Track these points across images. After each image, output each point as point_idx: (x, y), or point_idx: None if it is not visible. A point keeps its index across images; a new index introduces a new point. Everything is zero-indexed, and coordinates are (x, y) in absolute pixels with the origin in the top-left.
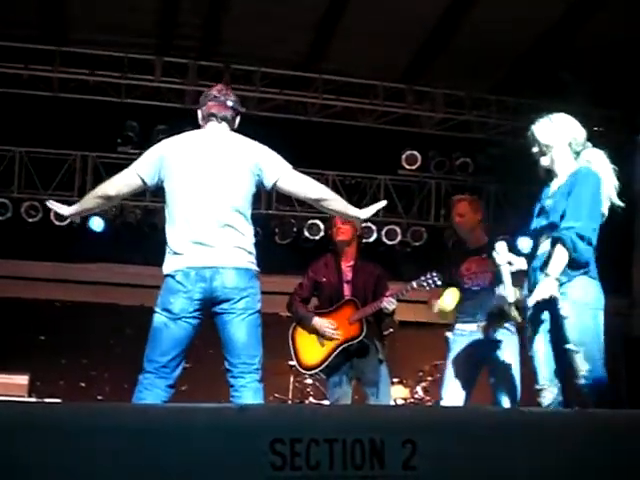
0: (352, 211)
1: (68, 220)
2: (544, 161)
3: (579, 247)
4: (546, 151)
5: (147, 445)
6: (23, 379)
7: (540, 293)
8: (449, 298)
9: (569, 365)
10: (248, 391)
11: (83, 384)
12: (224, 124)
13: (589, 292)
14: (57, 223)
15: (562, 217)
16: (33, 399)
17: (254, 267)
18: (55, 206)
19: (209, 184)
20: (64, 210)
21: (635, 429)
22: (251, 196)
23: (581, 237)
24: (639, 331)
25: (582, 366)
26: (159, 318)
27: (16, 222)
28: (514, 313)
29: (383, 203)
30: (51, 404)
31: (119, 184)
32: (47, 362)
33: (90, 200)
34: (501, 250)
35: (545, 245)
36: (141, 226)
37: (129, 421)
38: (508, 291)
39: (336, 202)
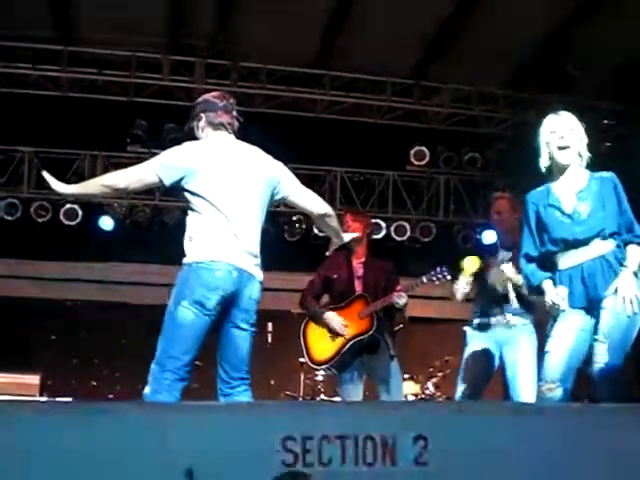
0: (341, 233)
1: (79, 220)
2: (563, 156)
3: None
4: (567, 146)
5: (159, 442)
6: (34, 379)
7: (627, 290)
8: (472, 261)
9: (589, 354)
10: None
11: (94, 383)
12: (231, 134)
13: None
14: (66, 223)
15: (611, 225)
16: (45, 398)
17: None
18: (51, 180)
19: (241, 188)
20: (60, 187)
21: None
22: (266, 206)
23: None
24: None
25: (602, 357)
26: (187, 312)
27: (26, 222)
28: (511, 292)
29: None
30: (63, 402)
31: (131, 178)
32: (58, 362)
33: (95, 186)
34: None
35: (589, 253)
36: (151, 225)
37: (140, 419)
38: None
39: (335, 220)
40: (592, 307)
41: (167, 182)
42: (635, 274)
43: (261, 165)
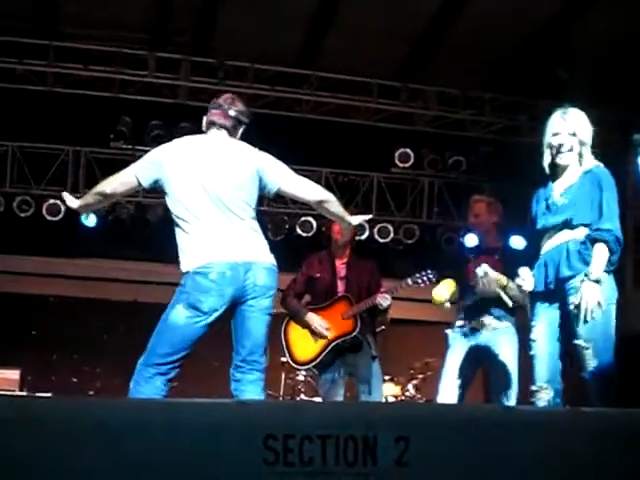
0: (347, 216)
1: (62, 215)
2: (562, 158)
3: (617, 249)
4: (566, 145)
5: (138, 441)
6: (14, 374)
7: (591, 300)
8: (443, 289)
9: (577, 361)
10: (255, 387)
11: (75, 379)
12: (224, 132)
13: (603, 287)
14: (49, 218)
15: (582, 216)
16: (24, 393)
17: (274, 263)
18: (68, 198)
19: (220, 185)
20: (73, 203)
21: (629, 428)
22: (256, 199)
23: (618, 239)
24: (633, 330)
25: (590, 362)
26: (179, 314)
27: (8, 217)
28: (501, 293)
29: (370, 215)
30: (43, 398)
31: (115, 183)
32: (38, 357)
33: (90, 196)
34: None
35: (556, 240)
36: (134, 222)
37: (120, 416)
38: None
39: (336, 205)
40: (552, 291)
41: (144, 183)
42: (597, 281)
43: (243, 158)
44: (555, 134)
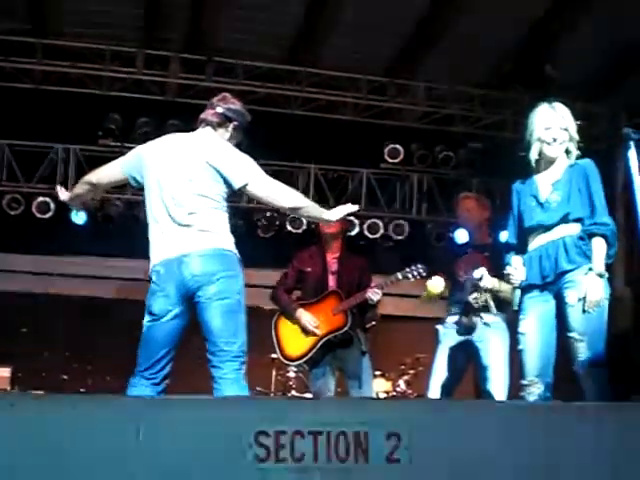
0: (325, 215)
1: (52, 213)
2: (553, 151)
3: (615, 242)
4: (564, 140)
5: (124, 437)
6: (5, 371)
7: (597, 294)
8: (439, 281)
9: (569, 354)
10: (226, 382)
11: (65, 377)
12: (208, 128)
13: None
14: (39, 216)
15: (576, 211)
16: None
17: (226, 247)
18: (60, 191)
19: (172, 180)
20: (64, 195)
21: (621, 422)
22: (221, 190)
23: (613, 232)
24: (621, 327)
25: (583, 355)
26: (145, 321)
27: None
28: (490, 302)
29: (354, 208)
30: (34, 395)
31: (101, 173)
32: (29, 355)
33: (79, 186)
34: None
35: (551, 235)
36: (123, 219)
37: (107, 413)
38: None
39: (310, 208)
40: (545, 285)
41: (127, 175)
42: (600, 275)
43: (195, 150)
44: (548, 128)
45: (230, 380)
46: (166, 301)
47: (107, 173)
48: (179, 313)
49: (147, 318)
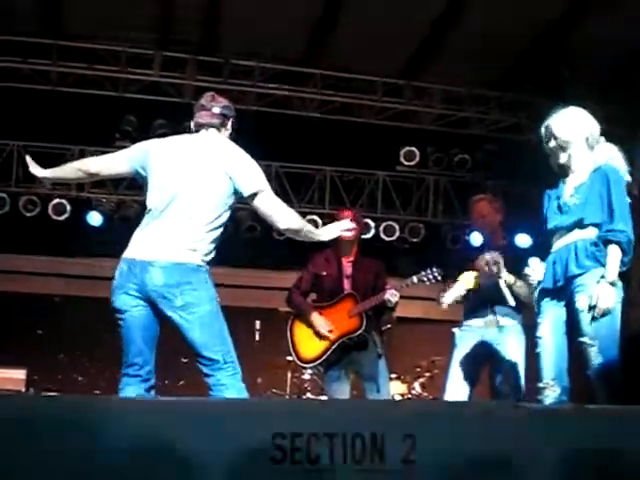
0: (318, 237)
1: (67, 215)
2: (562, 158)
3: (630, 249)
4: (565, 146)
5: (142, 441)
6: (20, 373)
7: (607, 303)
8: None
9: (582, 359)
10: (221, 389)
11: (81, 378)
12: (212, 130)
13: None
14: (55, 217)
15: (593, 216)
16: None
17: (191, 260)
18: (31, 164)
19: (175, 182)
20: (38, 170)
21: (632, 425)
22: (225, 197)
23: (631, 240)
24: (635, 330)
25: (595, 359)
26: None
27: (14, 216)
28: (508, 296)
29: (350, 225)
30: (49, 397)
31: (103, 164)
32: (45, 357)
33: (71, 169)
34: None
35: (566, 239)
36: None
37: (117, 416)
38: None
39: (303, 232)
40: (559, 289)
41: (130, 168)
42: (613, 284)
43: (212, 157)
44: (556, 137)
45: (225, 386)
46: (127, 298)
47: (110, 165)
48: (143, 305)
49: (116, 316)
